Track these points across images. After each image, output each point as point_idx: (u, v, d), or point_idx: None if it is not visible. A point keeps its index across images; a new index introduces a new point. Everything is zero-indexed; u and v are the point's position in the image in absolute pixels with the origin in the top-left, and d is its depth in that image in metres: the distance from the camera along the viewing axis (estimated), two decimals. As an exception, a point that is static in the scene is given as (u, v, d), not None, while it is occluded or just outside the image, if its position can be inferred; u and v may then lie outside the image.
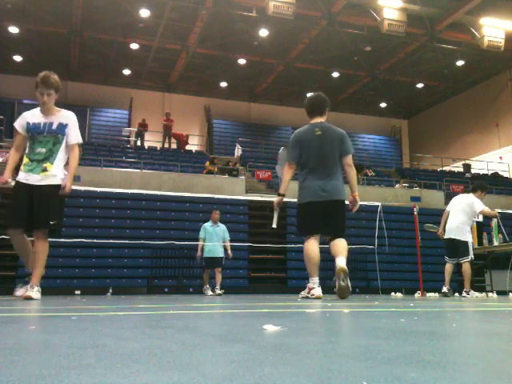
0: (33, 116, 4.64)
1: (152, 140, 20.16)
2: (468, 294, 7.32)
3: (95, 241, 10.59)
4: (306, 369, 0.66)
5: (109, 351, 0.85)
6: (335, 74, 21.46)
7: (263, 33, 17.86)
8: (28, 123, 4.58)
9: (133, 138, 20.37)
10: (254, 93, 23.58)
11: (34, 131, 4.56)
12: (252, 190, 15.31)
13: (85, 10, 16.47)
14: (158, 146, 19.67)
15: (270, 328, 1.21)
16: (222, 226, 9.75)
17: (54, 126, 4.62)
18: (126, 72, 21.24)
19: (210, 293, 9.47)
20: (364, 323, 1.65)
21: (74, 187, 4.82)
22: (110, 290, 10.66)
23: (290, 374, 0.62)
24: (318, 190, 4.70)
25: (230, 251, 9.56)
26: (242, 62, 20.37)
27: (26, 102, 20.74)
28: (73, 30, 17.68)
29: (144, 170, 14.26)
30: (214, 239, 9.57)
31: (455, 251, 7.52)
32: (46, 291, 9.99)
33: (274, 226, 5.35)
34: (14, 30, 17.58)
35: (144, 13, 16.47)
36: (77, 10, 16.54)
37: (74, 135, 4.68)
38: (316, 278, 4.71)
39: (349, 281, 4.48)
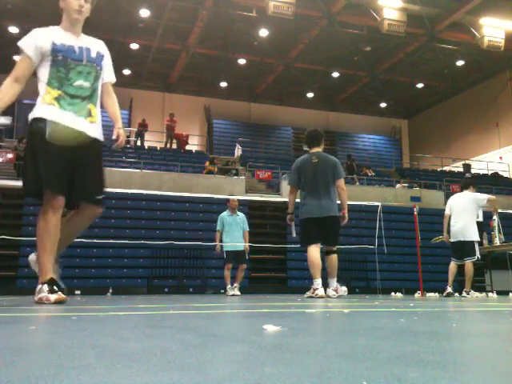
0: (57, 35, 3.35)
1: (152, 140, 20.16)
2: (468, 294, 7.29)
3: (95, 241, 10.59)
4: (306, 369, 0.66)
5: (109, 351, 0.85)
6: (335, 74, 21.46)
7: (263, 33, 17.87)
8: (54, 43, 3.29)
9: (133, 138, 20.37)
10: (254, 93, 23.57)
11: (67, 55, 3.31)
12: (252, 190, 15.31)
13: (85, 10, 16.47)
14: (158, 146, 19.67)
15: (270, 328, 1.21)
16: (242, 215, 8.70)
17: (94, 54, 3.47)
18: (126, 72, 21.23)
19: (232, 292, 8.29)
20: (364, 323, 1.65)
21: None
22: (110, 290, 10.65)
23: (290, 374, 0.62)
24: (315, 208, 5.57)
25: (247, 244, 8.48)
26: (242, 62, 20.37)
27: (25, 102, 20.75)
28: (73, 30, 17.68)
29: (144, 170, 14.26)
30: (234, 230, 8.45)
31: (462, 252, 7.44)
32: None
33: (294, 235, 6.18)
34: (13, 30, 17.58)
35: (144, 13, 16.47)
36: (77, 10, 16.53)
37: (112, 72, 3.63)
38: (319, 280, 5.40)
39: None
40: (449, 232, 7.63)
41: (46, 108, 3.22)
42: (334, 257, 5.58)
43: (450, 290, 7.46)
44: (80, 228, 3.56)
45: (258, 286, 12.28)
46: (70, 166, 3.23)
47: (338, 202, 5.75)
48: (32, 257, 3.50)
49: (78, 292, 10.84)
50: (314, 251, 5.49)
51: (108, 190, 13.27)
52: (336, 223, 5.65)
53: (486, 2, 15.58)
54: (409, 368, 0.67)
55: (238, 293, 8.35)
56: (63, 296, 3.10)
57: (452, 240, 7.52)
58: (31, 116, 3.28)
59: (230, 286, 8.46)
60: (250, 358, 0.77)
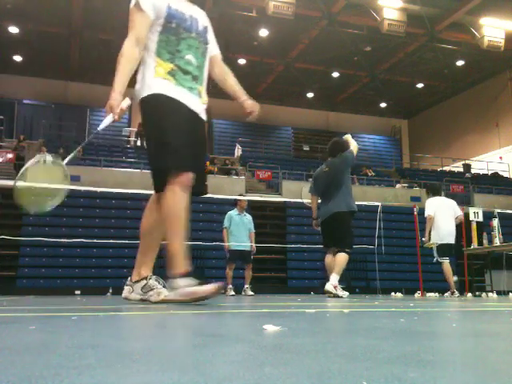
0: None
1: (152, 140, 20.14)
2: (452, 294, 7.34)
3: (95, 241, 10.59)
4: (306, 369, 0.66)
5: (109, 351, 0.85)
6: (335, 74, 21.46)
7: (263, 33, 17.87)
8: (170, 7, 2.85)
9: (133, 138, 20.37)
10: (253, 93, 23.56)
11: (180, 23, 2.88)
12: (252, 190, 15.31)
13: (85, 10, 16.47)
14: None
15: (270, 328, 1.21)
16: (249, 216, 8.72)
17: (201, 27, 3.01)
18: (126, 72, 21.23)
19: (233, 293, 8.20)
20: (364, 323, 1.65)
21: (74, 187, 4.26)
22: (110, 290, 10.65)
23: (290, 374, 0.62)
24: (323, 212, 5.96)
25: (254, 245, 8.43)
26: (241, 61, 20.36)
27: (25, 101, 20.77)
28: (73, 31, 17.68)
29: (144, 170, 14.26)
30: (241, 230, 8.40)
31: (450, 253, 7.55)
32: (46, 291, 10.02)
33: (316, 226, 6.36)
34: (13, 29, 17.58)
35: (144, 13, 16.47)
36: (77, 11, 16.54)
37: (217, 45, 3.20)
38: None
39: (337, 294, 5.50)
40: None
41: (162, 83, 2.81)
42: (341, 255, 5.68)
43: (454, 290, 7.48)
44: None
45: (258, 286, 12.26)
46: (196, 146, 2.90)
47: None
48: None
49: (77, 292, 10.84)
50: (327, 257, 5.97)
51: (108, 189, 13.09)
52: (339, 219, 5.78)
53: (486, 2, 15.57)
54: (409, 368, 0.67)
55: (251, 292, 8.21)
56: (217, 285, 2.70)
57: (443, 242, 7.52)
58: (145, 91, 2.88)
59: (230, 286, 8.35)
60: (250, 358, 0.77)
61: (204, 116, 2.99)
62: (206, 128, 3.07)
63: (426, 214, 7.61)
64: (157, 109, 2.84)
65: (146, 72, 2.88)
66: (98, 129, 2.88)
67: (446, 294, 7.70)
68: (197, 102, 2.91)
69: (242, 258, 8.33)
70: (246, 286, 8.35)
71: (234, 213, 8.56)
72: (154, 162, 2.90)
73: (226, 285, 8.37)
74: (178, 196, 2.74)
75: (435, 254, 7.50)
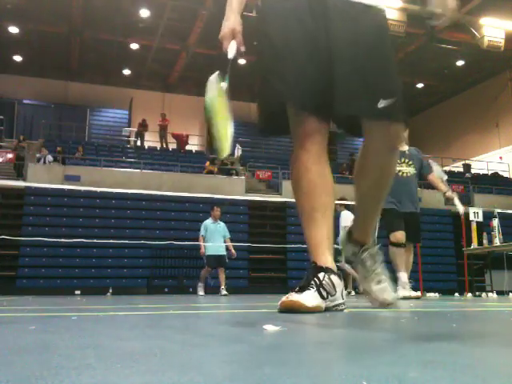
0: None
1: (152, 140, 20.17)
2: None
3: (95, 241, 10.59)
4: (305, 369, 0.66)
5: (109, 351, 0.85)
6: (335, 74, 21.45)
7: (263, 33, 17.85)
8: None
9: (133, 138, 20.38)
10: (254, 93, 23.56)
11: None
12: (252, 190, 15.31)
13: (85, 10, 16.47)
14: (158, 146, 19.69)
15: (270, 328, 1.21)
16: (222, 224, 9.51)
17: None
18: (126, 72, 21.23)
19: (202, 293, 9.15)
20: (364, 323, 1.65)
21: (74, 187, 4.07)
22: (110, 290, 10.66)
23: (290, 374, 0.62)
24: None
25: (233, 250, 9.25)
26: (241, 61, 20.36)
27: (25, 101, 20.78)
28: (73, 30, 17.68)
29: (144, 170, 14.26)
30: (216, 236, 9.23)
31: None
32: (45, 291, 10.03)
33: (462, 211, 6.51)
34: (14, 29, 17.59)
35: (144, 13, 16.47)
36: (77, 10, 16.54)
37: None
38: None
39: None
40: None
41: None
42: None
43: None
44: (377, 165, 2.08)
45: (258, 286, 12.28)
46: (323, 59, 1.88)
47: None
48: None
49: (77, 292, 10.84)
50: (400, 250, 5.74)
51: (108, 189, 13.10)
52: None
53: (486, 2, 15.58)
54: (409, 368, 0.67)
55: (226, 292, 8.95)
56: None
57: None
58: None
59: (201, 284, 9.30)
60: (250, 358, 0.77)
61: None
62: None
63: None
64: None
65: None
66: (229, 57, 2.24)
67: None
68: None
69: (217, 262, 9.09)
70: (222, 287, 9.05)
71: (208, 222, 9.38)
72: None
73: (197, 283, 9.48)
74: (294, 168, 2.07)
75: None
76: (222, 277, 9.17)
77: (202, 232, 9.26)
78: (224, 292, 8.96)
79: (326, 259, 1.95)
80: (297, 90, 1.93)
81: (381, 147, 2.03)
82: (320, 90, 1.88)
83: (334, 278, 1.92)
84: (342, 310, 1.99)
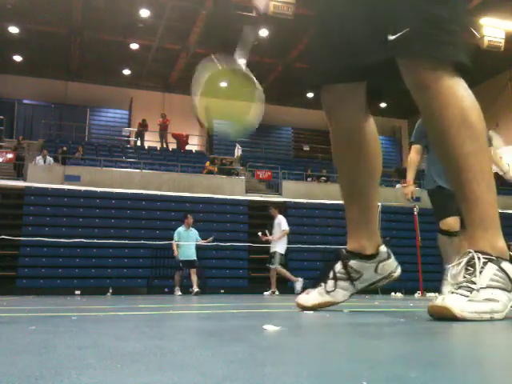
0: None
1: (152, 140, 20.16)
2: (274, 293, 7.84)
3: (95, 241, 10.60)
4: (305, 369, 0.66)
5: (109, 351, 0.85)
6: (335, 74, 21.45)
7: (263, 33, 17.87)
8: None
9: (133, 138, 20.38)
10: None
11: None
12: (252, 190, 15.31)
13: (85, 10, 16.47)
14: (158, 146, 19.69)
15: (270, 328, 1.21)
16: (195, 231, 10.40)
17: None
18: (126, 72, 21.22)
19: (180, 293, 9.94)
20: (364, 323, 1.65)
21: (74, 187, 4.14)
22: (110, 290, 10.66)
23: (290, 374, 0.62)
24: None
25: (206, 240, 10.28)
26: (241, 61, 20.37)
27: (26, 102, 20.77)
28: (73, 30, 17.68)
29: (144, 170, 14.26)
30: (188, 242, 10.14)
31: None
32: (45, 291, 10.02)
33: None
34: (13, 29, 17.59)
35: (144, 13, 16.47)
36: (77, 10, 16.54)
37: None
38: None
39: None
40: None
41: None
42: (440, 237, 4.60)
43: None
44: (421, 106, 1.87)
45: (258, 286, 12.27)
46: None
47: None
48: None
49: (77, 292, 10.84)
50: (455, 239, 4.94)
51: (108, 189, 13.12)
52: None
53: (486, 2, 15.58)
54: (409, 368, 0.67)
55: (198, 289, 9.75)
56: None
57: None
58: None
59: (178, 287, 10.12)
60: (250, 358, 0.77)
61: None
62: None
63: None
64: None
65: None
66: (260, 11, 2.15)
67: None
68: None
69: (189, 265, 10.03)
70: (194, 286, 9.85)
71: (181, 229, 10.20)
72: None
73: (174, 287, 10.27)
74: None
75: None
76: (194, 277, 10.04)
77: (176, 238, 10.15)
78: (196, 289, 9.73)
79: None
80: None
81: (410, 86, 1.81)
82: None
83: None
84: None
